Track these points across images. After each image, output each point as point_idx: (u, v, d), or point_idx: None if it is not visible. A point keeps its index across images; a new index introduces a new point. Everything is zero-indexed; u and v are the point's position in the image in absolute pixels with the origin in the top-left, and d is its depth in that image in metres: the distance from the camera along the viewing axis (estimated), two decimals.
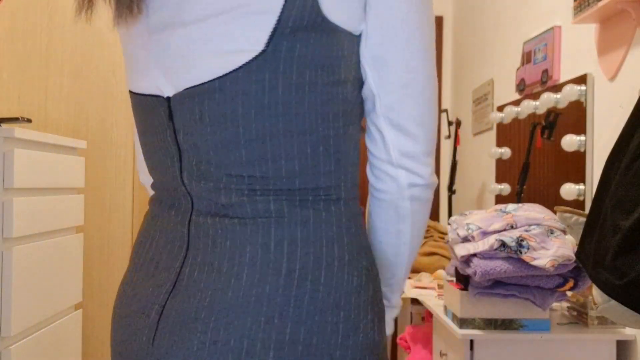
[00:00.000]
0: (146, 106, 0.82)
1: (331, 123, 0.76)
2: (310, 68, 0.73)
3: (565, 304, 1.92)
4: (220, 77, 0.73)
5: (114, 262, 2.49)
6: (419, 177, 0.80)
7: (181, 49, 0.75)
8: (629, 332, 1.69)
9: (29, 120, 1.91)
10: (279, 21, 0.71)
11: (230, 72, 0.72)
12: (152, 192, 0.97)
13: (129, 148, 2.52)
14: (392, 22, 0.76)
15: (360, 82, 0.79)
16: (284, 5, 0.70)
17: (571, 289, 1.62)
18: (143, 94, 0.82)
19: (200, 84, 0.74)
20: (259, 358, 0.71)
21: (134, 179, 2.53)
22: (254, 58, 0.71)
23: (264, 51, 0.71)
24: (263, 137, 0.73)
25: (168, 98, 0.78)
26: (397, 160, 0.79)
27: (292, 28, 0.71)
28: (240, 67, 0.72)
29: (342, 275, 0.75)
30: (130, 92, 0.86)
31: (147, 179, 0.99)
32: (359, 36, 0.77)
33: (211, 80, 0.73)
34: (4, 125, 1.79)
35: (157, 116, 0.81)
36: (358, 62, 0.78)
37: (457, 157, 3.51)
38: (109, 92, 2.51)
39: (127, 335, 0.81)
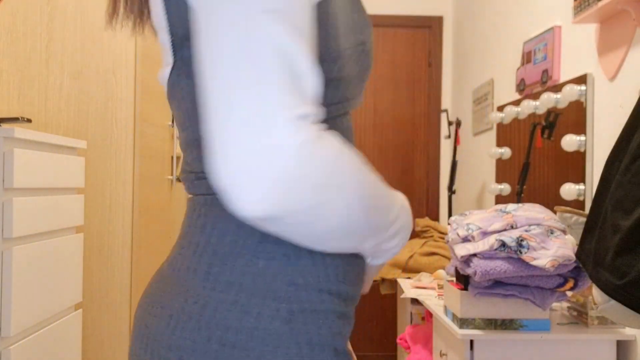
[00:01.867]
0: None
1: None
2: None
3: (565, 304, 1.92)
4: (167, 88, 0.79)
5: (114, 262, 2.49)
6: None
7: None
8: (629, 332, 1.69)
9: (29, 120, 1.91)
10: (171, 33, 0.73)
11: (167, 83, 0.78)
12: None
13: (129, 148, 2.51)
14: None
15: None
16: (167, 18, 0.73)
17: (571, 289, 1.62)
18: None
19: None
20: (138, 321, 0.78)
21: (134, 179, 2.52)
22: (171, 70, 0.76)
23: (175, 62, 0.75)
24: (189, 144, 0.77)
25: None
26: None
27: (183, 37, 0.72)
28: (168, 79, 0.77)
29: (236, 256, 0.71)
30: None
31: None
32: None
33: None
34: (4, 125, 1.78)
35: None
36: None
37: (457, 157, 3.51)
38: (109, 92, 2.51)
39: None
